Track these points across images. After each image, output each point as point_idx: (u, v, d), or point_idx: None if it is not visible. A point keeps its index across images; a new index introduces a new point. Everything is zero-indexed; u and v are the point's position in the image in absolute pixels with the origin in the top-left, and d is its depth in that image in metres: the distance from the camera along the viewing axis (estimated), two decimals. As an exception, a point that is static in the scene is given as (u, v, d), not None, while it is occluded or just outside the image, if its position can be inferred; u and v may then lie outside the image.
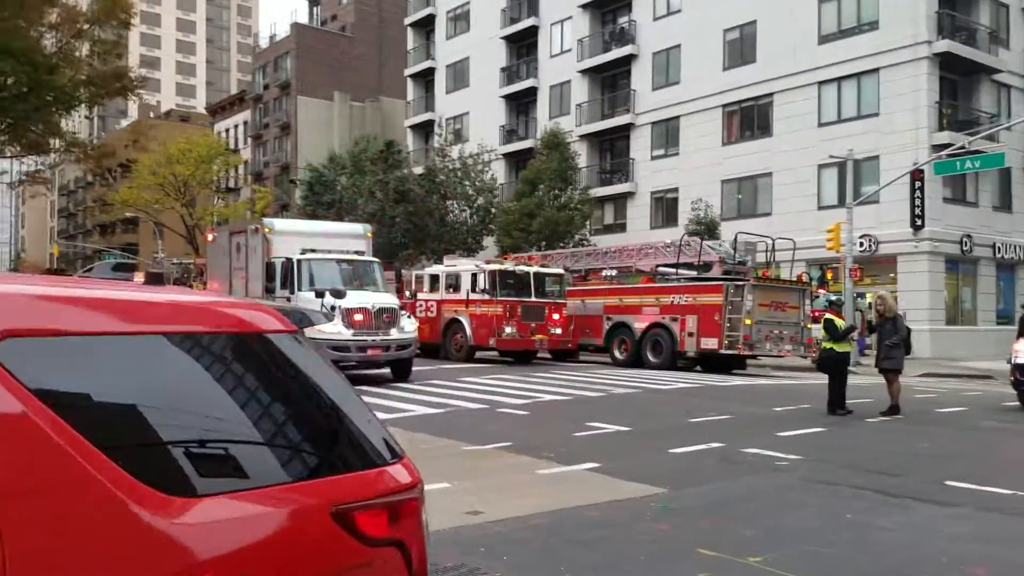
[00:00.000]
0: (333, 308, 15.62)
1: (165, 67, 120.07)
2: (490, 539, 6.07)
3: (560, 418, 12.55)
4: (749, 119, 35.14)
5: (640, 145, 39.58)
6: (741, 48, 35.11)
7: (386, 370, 17.42)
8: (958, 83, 31.05)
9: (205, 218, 60.22)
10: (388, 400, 14.05)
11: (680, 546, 6.02)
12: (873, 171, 29.55)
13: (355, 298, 16.35)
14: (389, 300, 17.25)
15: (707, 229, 32.40)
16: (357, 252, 18.58)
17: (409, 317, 17.71)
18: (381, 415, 12.34)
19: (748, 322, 20.42)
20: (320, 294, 15.64)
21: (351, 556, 2.05)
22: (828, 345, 13.35)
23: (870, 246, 29.56)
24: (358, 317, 16.15)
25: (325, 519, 2.02)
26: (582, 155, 40.61)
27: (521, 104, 46.52)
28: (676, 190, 37.53)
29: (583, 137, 41.46)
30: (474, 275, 22.46)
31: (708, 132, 36.25)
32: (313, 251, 17.41)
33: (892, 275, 30.15)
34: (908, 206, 28.22)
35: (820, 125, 32.02)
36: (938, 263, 29.59)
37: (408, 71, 54.45)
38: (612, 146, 42.02)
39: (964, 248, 29.97)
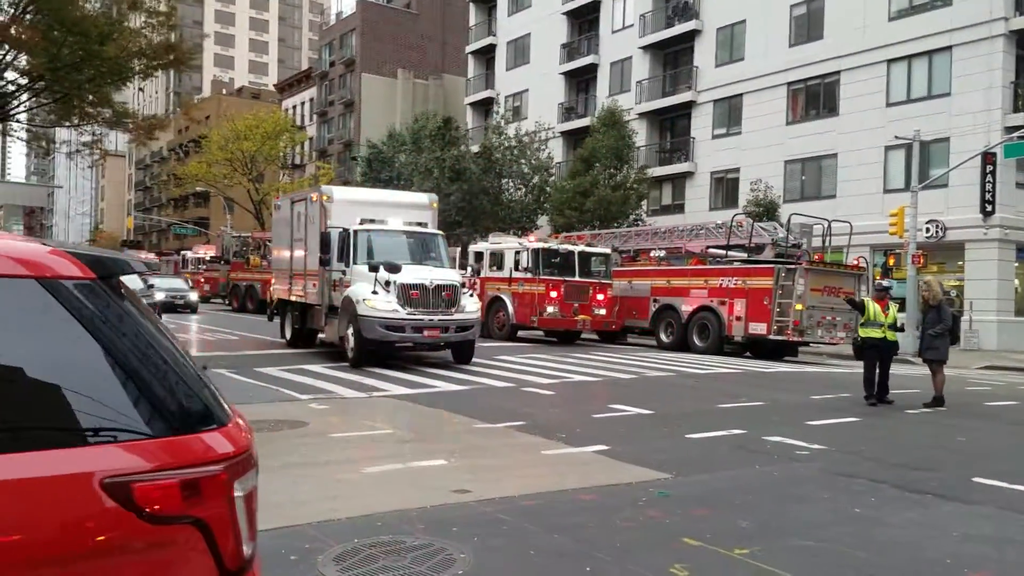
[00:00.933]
0: (388, 283, 14.58)
1: (239, 44, 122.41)
2: (468, 519, 5.92)
3: (583, 399, 12.32)
4: (815, 98, 33.94)
5: (701, 123, 38.65)
6: (808, 24, 33.86)
7: (447, 351, 16.58)
8: (1035, 62, 29.39)
9: (271, 193, 61.28)
10: (415, 375, 14.02)
11: (664, 535, 5.76)
12: (942, 154, 28.24)
13: (411, 273, 14.99)
14: (449, 276, 15.60)
15: (766, 211, 31.50)
16: (420, 224, 17.00)
17: (472, 296, 16.18)
18: (404, 389, 12.34)
19: (799, 307, 19.75)
20: (374, 268, 14.48)
21: (131, 535, 1.86)
22: (861, 331, 12.89)
23: (937, 232, 28.32)
24: (414, 294, 14.73)
25: (92, 491, 1.84)
26: (641, 134, 39.87)
27: (581, 81, 45.90)
28: (737, 170, 36.57)
29: (642, 115, 40.69)
30: (517, 253, 22.25)
31: (772, 111, 35.16)
32: (372, 221, 16.09)
33: (960, 263, 28.86)
34: (978, 191, 26.82)
35: (888, 105, 30.72)
36: (1008, 251, 28.18)
37: (469, 48, 54.25)
38: (672, 124, 41.15)
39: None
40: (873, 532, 6.03)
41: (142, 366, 2.06)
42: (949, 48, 28.87)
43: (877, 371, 12.63)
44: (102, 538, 1.85)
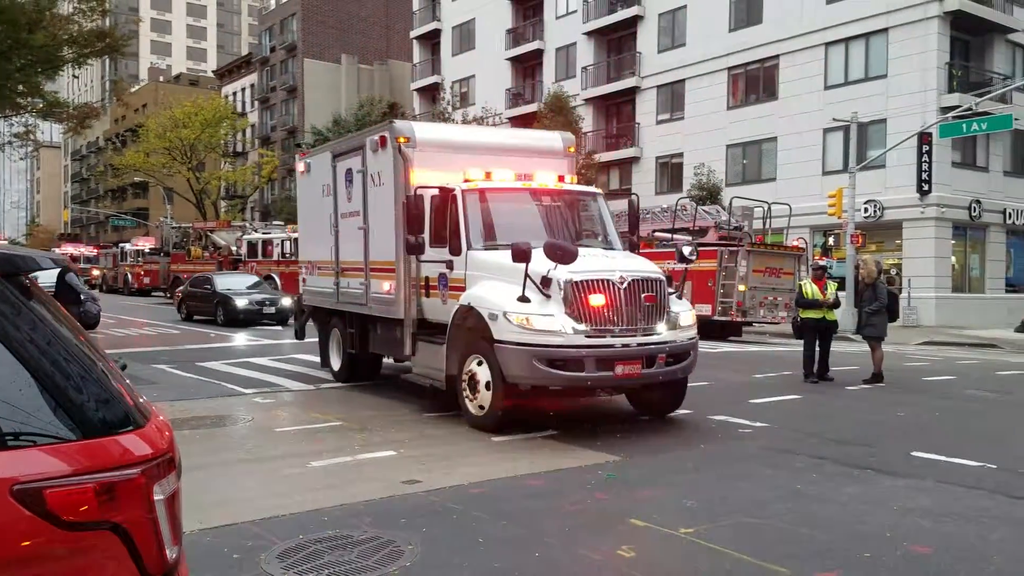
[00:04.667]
0: (546, 281, 8.37)
1: (176, 31, 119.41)
2: (416, 510, 5.89)
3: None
4: (755, 82, 34.38)
5: (646, 109, 38.91)
6: (747, 8, 34.24)
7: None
8: (970, 43, 30.16)
9: (212, 182, 60.09)
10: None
11: (612, 517, 5.81)
12: (880, 135, 28.86)
13: (589, 263, 8.69)
14: (646, 266, 9.17)
15: (709, 195, 31.89)
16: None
17: (680, 298, 9.62)
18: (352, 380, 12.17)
19: (742, 288, 20.08)
20: (522, 255, 8.17)
21: (44, 542, 1.78)
22: (800, 311, 13.18)
23: (875, 212, 28.99)
24: (597, 300, 8.38)
25: (2, 499, 1.75)
26: (587, 119, 39.98)
27: (527, 67, 45.83)
28: (681, 155, 36.93)
29: (589, 101, 40.79)
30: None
31: (713, 96, 35.53)
32: (487, 177, 9.74)
33: (898, 241, 29.59)
34: (915, 170, 27.58)
35: (826, 88, 31.26)
36: (945, 229, 28.99)
37: (414, 33, 53.74)
38: (618, 110, 41.35)
39: (973, 214, 29.33)
40: (815, 508, 6.15)
41: (51, 367, 1.96)
42: (885, 30, 29.47)
43: (817, 349, 12.91)
44: (16, 547, 1.76)
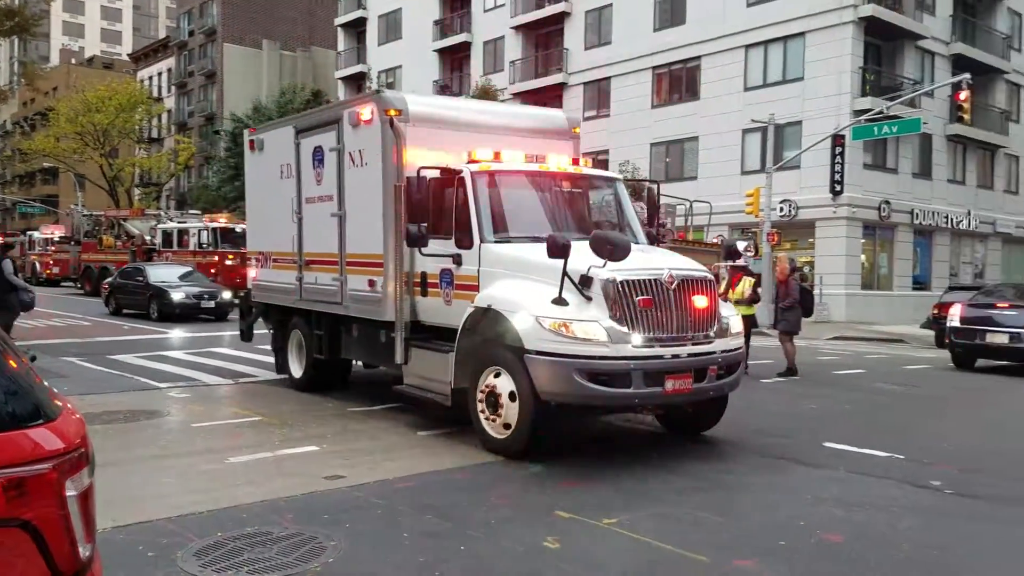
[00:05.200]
0: (586, 280, 7.08)
1: (90, 11, 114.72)
2: (340, 505, 5.81)
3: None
4: (678, 82, 34.97)
5: (573, 106, 39.09)
6: (671, 9, 34.79)
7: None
8: (882, 48, 31.30)
9: (126, 169, 58.02)
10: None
11: (537, 509, 5.85)
12: (796, 136, 29.71)
13: (637, 259, 7.31)
14: (690, 263, 7.94)
15: (633, 192, 32.30)
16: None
17: (726, 302, 9.01)
18: (273, 374, 11.94)
19: (664, 284, 20.36)
20: (560, 249, 6.89)
21: None
22: None
23: (790, 211, 29.85)
24: (646, 303, 7.15)
25: None
26: (513, 113, 39.99)
27: (455, 59, 45.61)
28: (607, 152, 37.30)
29: (517, 95, 40.82)
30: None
31: (638, 94, 36.01)
32: (495, 159, 8.41)
33: (811, 240, 30.55)
34: (828, 172, 28.54)
35: (746, 89, 32.00)
36: (856, 228, 30.05)
37: (339, 20, 52.87)
38: (546, 106, 41.39)
39: (882, 214, 30.48)
40: (731, 497, 6.31)
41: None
42: (803, 34, 30.32)
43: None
44: None
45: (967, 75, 23.20)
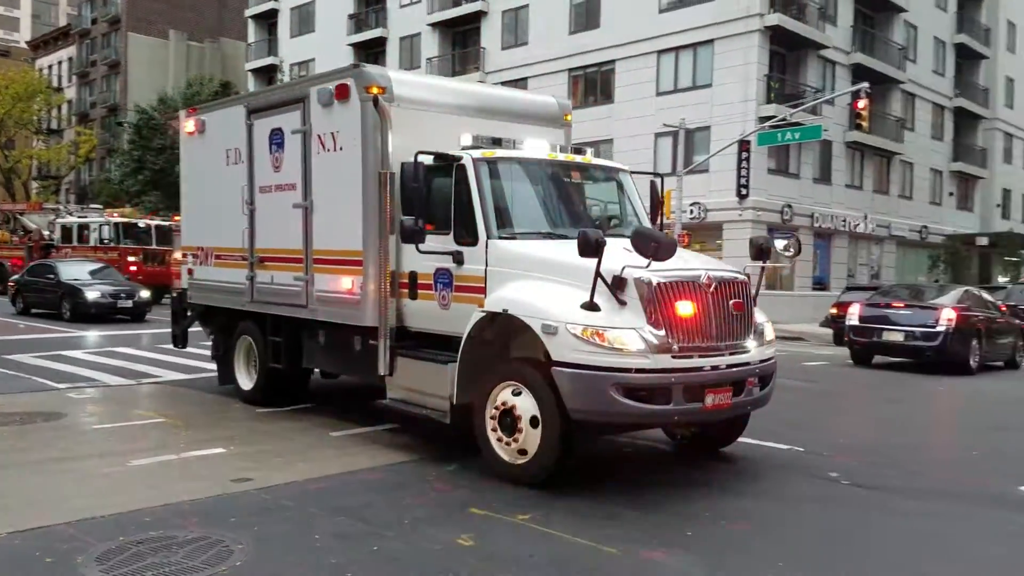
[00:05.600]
0: (619, 282, 6.30)
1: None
2: (248, 508, 5.69)
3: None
4: (593, 85, 35.43)
5: (488, 104, 39.22)
6: (586, 12, 35.23)
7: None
8: (787, 57, 32.43)
9: (22, 161, 55.31)
10: (191, 359, 13.15)
11: (452, 507, 5.85)
12: (705, 141, 30.48)
13: (679, 259, 6.60)
14: (721, 264, 7.45)
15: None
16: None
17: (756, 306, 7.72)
18: (177, 374, 11.62)
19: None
20: (593, 246, 6.04)
21: None
22: None
23: (699, 213, 30.65)
24: (686, 308, 6.43)
25: None
26: (429, 111, 39.79)
27: (370, 54, 45.03)
28: (521, 151, 37.53)
29: (431, 93, 40.64)
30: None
31: (555, 96, 36.23)
32: (496, 144, 7.61)
33: (719, 242, 31.39)
34: (735, 176, 29.44)
35: (658, 94, 32.68)
36: (760, 231, 30.95)
37: (249, 11, 51.59)
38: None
39: (785, 217, 31.57)
40: (642, 491, 6.46)
41: None
42: (711, 41, 31.15)
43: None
44: None
45: (865, 84, 24.30)
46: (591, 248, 6.02)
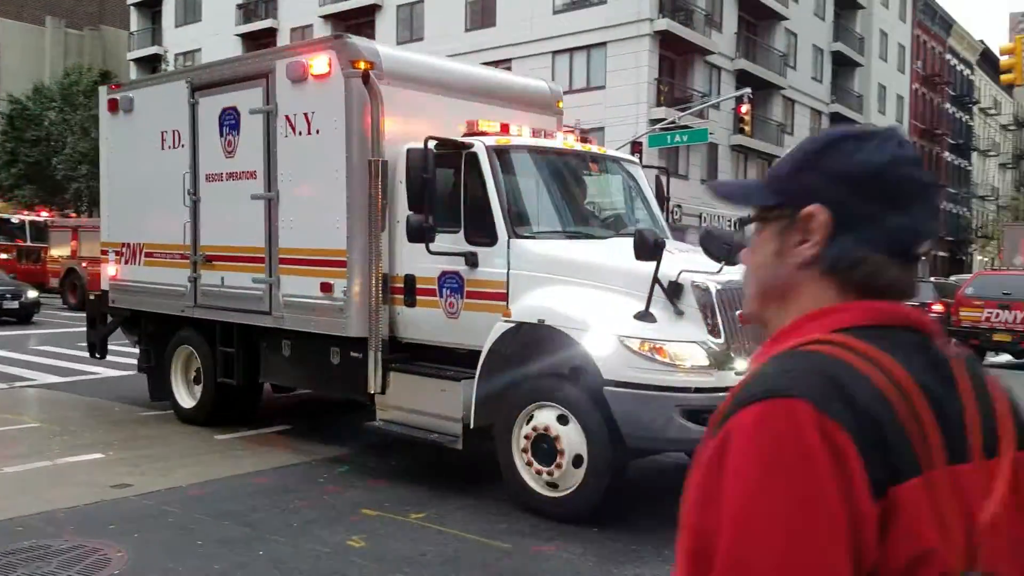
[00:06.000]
0: (676, 289, 5.60)
1: None
2: (128, 515, 5.49)
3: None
4: (489, 82, 35.56)
5: (383, 100, 38.88)
6: (482, 10, 35.35)
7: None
8: (676, 62, 33.40)
9: None
10: (69, 361, 12.55)
11: (343, 509, 5.79)
12: (600, 142, 30.93)
13: (700, 261, 5.76)
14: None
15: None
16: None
17: None
18: (54, 377, 11.04)
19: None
20: (652, 247, 5.38)
21: None
22: None
23: (594, 211, 31.23)
24: (743, 316, 4.45)
25: None
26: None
27: (260, 45, 43.75)
28: (418, 148, 37.37)
29: (324, 87, 39.97)
30: None
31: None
32: (504, 131, 6.79)
33: (613, 239, 32.12)
34: (628, 175, 30.09)
35: (554, 93, 33.10)
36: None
37: (131, -1, 49.51)
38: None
39: (675, 217, 32.49)
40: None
41: None
42: (604, 44, 31.79)
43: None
44: None
45: (748, 89, 25.29)
46: (649, 250, 5.33)
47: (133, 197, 9.13)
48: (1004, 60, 17.55)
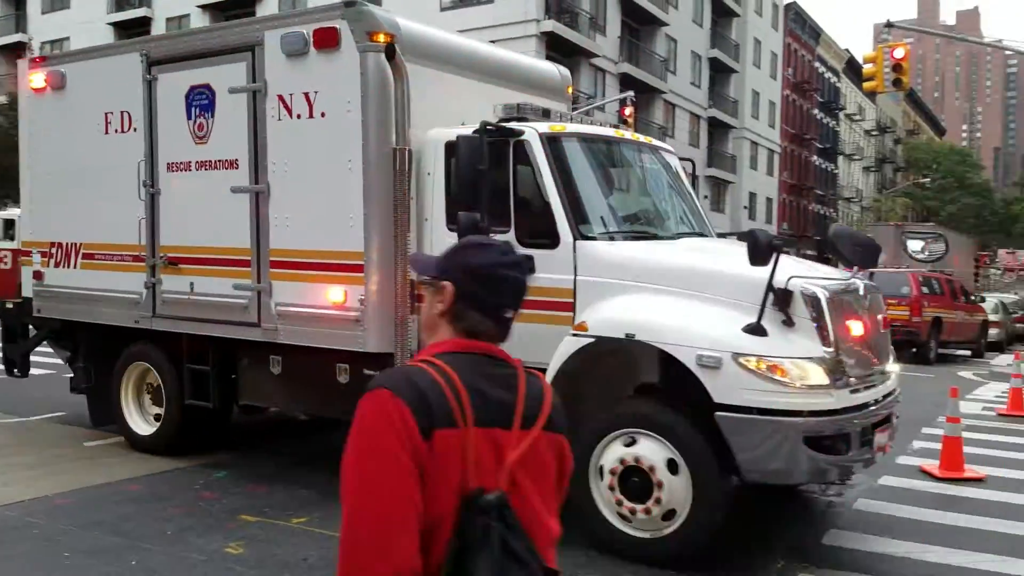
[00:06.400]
0: (785, 297, 4.85)
1: None
2: (-13, 528, 5.18)
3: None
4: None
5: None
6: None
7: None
8: (562, 63, 33.78)
9: None
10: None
11: (220, 515, 5.65)
12: (486, 139, 31.24)
13: (798, 266, 5.52)
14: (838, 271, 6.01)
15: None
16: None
17: None
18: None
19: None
20: (767, 251, 4.71)
21: None
22: None
23: (482, 210, 31.38)
24: (857, 328, 5.16)
25: None
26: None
27: (133, 35, 41.85)
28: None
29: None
30: None
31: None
32: (543, 115, 5.95)
33: (501, 238, 32.37)
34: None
35: (441, 90, 33.06)
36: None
37: (-8, -19, 46.38)
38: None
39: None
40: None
41: None
42: (492, 43, 31.89)
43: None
44: None
45: (631, 93, 25.99)
46: (764, 253, 4.69)
47: (65, 189, 7.79)
48: (867, 68, 18.56)
